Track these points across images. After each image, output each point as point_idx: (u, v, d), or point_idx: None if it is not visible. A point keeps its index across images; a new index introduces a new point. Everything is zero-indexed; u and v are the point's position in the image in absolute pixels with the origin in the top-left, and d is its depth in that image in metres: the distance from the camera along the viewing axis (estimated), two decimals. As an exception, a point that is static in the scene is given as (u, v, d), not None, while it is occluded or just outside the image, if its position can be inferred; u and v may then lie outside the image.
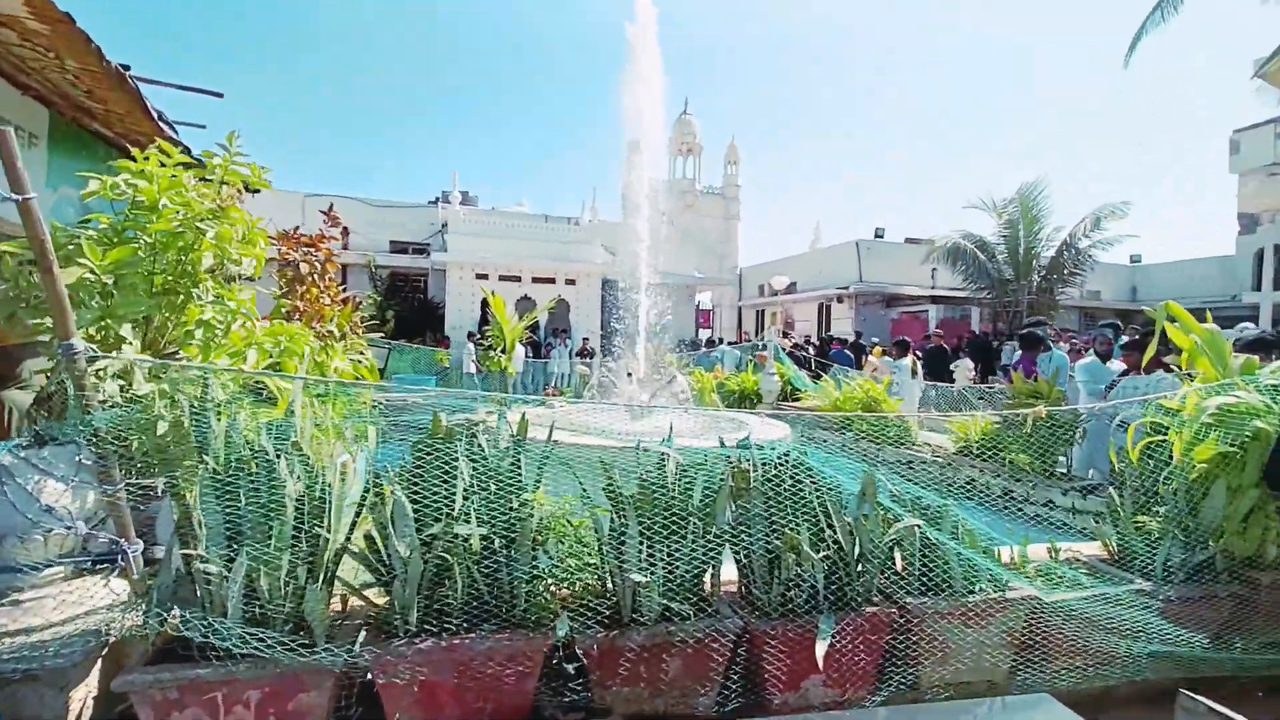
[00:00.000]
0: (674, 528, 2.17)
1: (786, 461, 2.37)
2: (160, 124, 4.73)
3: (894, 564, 2.38)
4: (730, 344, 19.24)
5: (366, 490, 2.11)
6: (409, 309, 18.62)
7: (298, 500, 1.92)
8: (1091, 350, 6.52)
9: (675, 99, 32.84)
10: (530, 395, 12.27)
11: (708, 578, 2.24)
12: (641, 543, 2.11)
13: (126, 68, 4.18)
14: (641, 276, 6.64)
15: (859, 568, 2.25)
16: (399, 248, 20.94)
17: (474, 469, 2.16)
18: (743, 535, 2.25)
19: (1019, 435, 5.15)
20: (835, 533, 2.25)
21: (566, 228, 19.99)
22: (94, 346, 2.04)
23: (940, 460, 5.97)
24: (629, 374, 5.63)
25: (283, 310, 4.29)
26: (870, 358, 11.73)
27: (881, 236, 24.90)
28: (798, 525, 2.25)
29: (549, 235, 19.58)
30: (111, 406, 2.02)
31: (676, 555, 2.16)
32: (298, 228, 5.20)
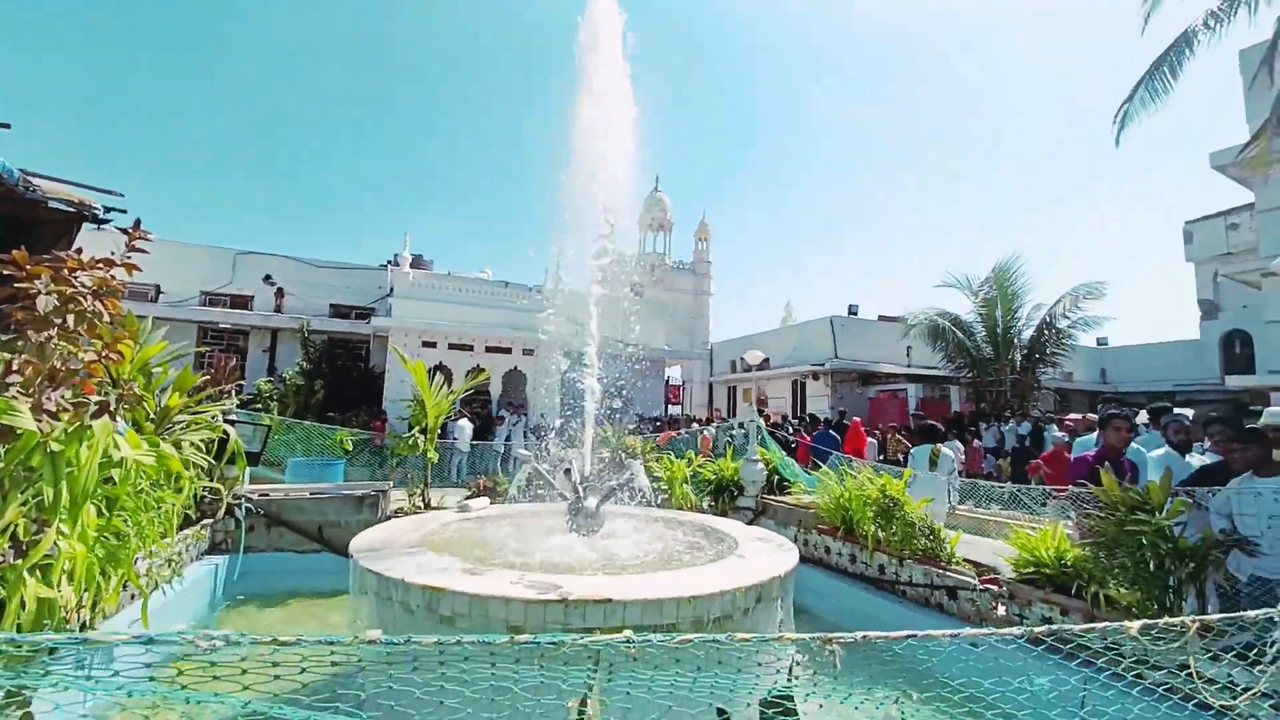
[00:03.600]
0: None
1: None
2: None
3: None
4: (700, 422, 17.64)
5: None
6: (346, 379, 16.64)
7: None
8: (1161, 438, 5.16)
9: (646, 176, 33.22)
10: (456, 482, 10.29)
11: None
12: None
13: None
14: (589, 346, 5.13)
15: None
16: (340, 312, 19.10)
17: None
18: None
19: (1118, 563, 3.65)
20: None
21: (527, 295, 18.62)
22: None
23: (990, 589, 4.38)
24: (566, 470, 3.99)
25: (-18, 367, 2.59)
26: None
27: (855, 313, 24.33)
28: None
29: (507, 302, 18.16)
30: None
31: None
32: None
